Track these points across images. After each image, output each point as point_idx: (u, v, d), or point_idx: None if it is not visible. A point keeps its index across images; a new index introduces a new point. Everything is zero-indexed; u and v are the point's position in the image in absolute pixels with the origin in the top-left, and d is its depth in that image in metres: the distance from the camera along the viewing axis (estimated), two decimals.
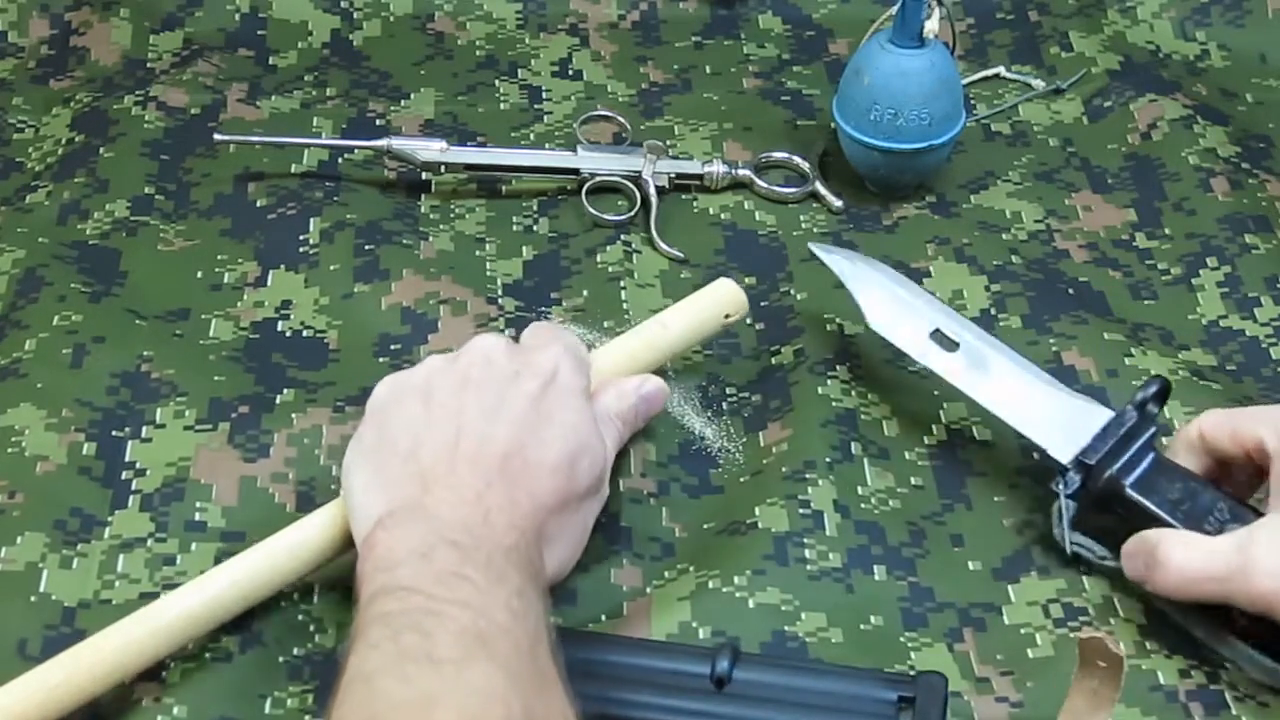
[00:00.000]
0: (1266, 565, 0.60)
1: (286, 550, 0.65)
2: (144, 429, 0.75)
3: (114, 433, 0.74)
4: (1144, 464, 0.67)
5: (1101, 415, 0.69)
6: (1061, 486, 0.68)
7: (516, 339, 0.70)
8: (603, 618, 0.67)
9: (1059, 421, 0.69)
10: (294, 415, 0.75)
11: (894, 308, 0.74)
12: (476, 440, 0.62)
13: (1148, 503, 0.66)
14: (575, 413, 0.65)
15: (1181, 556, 0.63)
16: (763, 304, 0.82)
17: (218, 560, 0.69)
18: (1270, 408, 0.67)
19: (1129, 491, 0.67)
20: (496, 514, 0.60)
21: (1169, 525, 0.65)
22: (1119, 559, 0.67)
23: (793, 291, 0.83)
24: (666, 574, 0.70)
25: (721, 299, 0.76)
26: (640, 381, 0.70)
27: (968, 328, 0.74)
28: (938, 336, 0.73)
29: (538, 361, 0.66)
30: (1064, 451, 0.68)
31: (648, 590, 0.69)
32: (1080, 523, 0.68)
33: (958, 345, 0.73)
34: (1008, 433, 0.72)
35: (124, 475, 0.73)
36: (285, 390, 0.77)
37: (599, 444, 0.66)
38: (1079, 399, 0.71)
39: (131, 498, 0.72)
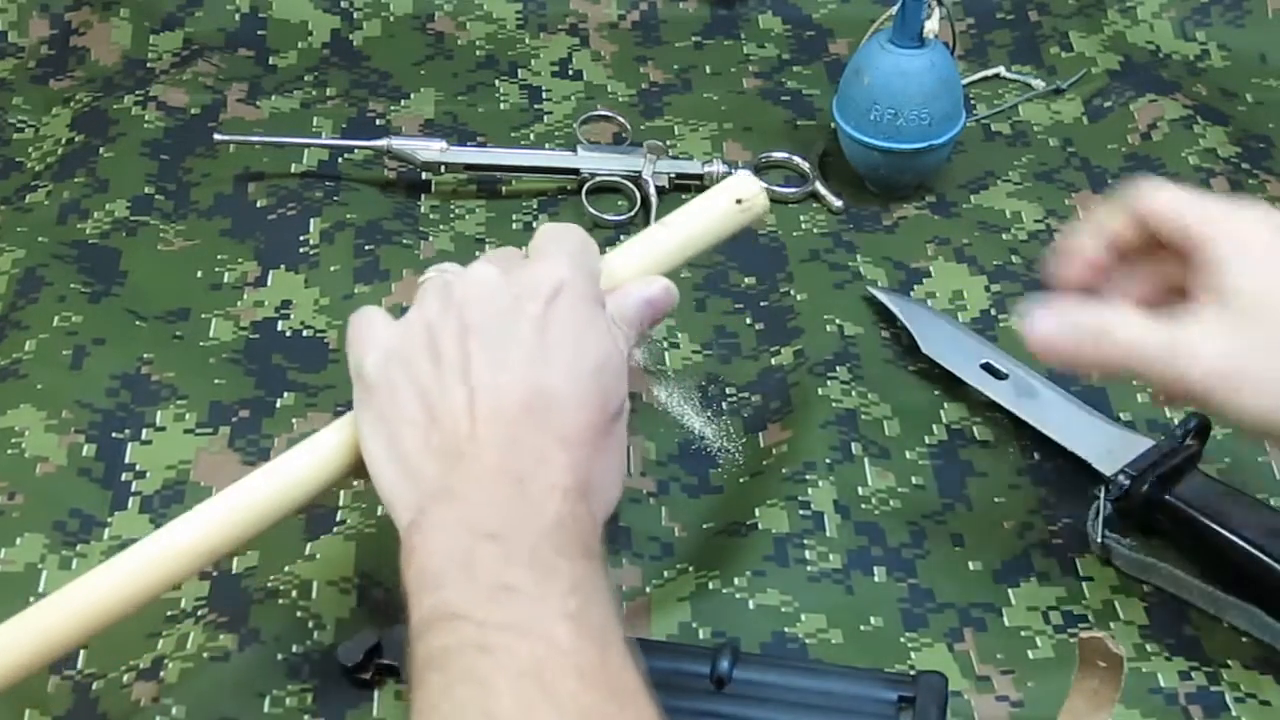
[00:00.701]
0: (1200, 348, 0.57)
1: (292, 474, 0.61)
2: (144, 431, 0.75)
3: (114, 434, 0.74)
4: (1184, 478, 0.70)
5: (1143, 441, 0.72)
6: (1104, 493, 0.70)
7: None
8: None
9: (1103, 443, 0.72)
10: (294, 419, 0.75)
11: (946, 340, 0.78)
12: (490, 395, 0.56)
13: (1191, 505, 0.69)
14: (587, 325, 0.59)
15: (1126, 333, 0.58)
16: (763, 304, 0.82)
17: (217, 563, 0.69)
18: (1208, 196, 0.61)
19: (1169, 499, 0.69)
20: (530, 482, 0.55)
21: (1211, 530, 0.68)
22: (1145, 553, 0.69)
23: (793, 292, 0.83)
24: (666, 574, 0.70)
25: (730, 187, 0.68)
26: (645, 284, 0.63)
27: (1016, 364, 0.77)
28: (988, 368, 0.76)
29: (537, 278, 0.59)
30: (1108, 465, 0.71)
31: (647, 590, 0.69)
32: (1111, 526, 0.70)
33: (1007, 376, 0.76)
34: (1050, 449, 0.74)
35: (124, 477, 0.73)
36: (285, 394, 0.77)
37: (617, 352, 0.59)
38: (1121, 428, 0.74)
39: (131, 499, 0.72)
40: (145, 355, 0.78)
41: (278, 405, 0.76)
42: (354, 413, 0.60)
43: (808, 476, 0.73)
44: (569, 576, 0.52)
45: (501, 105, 0.95)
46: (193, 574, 0.60)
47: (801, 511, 0.71)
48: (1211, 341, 0.57)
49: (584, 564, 0.53)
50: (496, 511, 0.54)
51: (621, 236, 0.86)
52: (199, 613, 0.67)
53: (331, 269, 0.83)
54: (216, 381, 0.77)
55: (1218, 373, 0.56)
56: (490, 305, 0.59)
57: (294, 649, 0.66)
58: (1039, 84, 0.97)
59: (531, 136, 0.92)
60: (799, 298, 0.82)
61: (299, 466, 0.61)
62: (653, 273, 0.65)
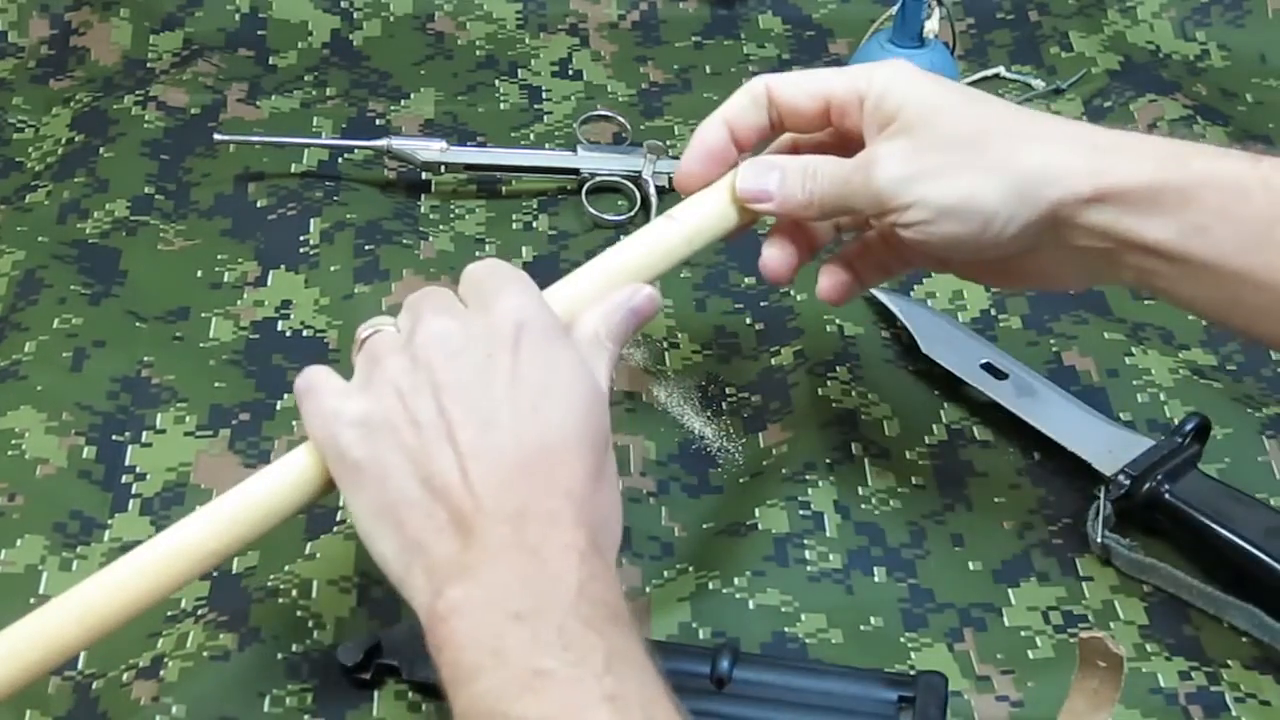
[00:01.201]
0: (885, 156, 0.61)
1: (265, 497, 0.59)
2: (144, 434, 0.75)
3: (114, 437, 0.74)
4: (1184, 478, 0.70)
5: (1143, 441, 0.72)
6: (1104, 493, 0.70)
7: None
8: None
9: (1103, 443, 0.72)
10: (294, 422, 0.75)
11: (946, 340, 0.78)
12: (485, 458, 0.54)
13: (1191, 505, 0.69)
14: (559, 362, 0.57)
15: (828, 166, 0.63)
16: (763, 304, 0.82)
17: None
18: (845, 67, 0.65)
19: (1169, 498, 0.69)
20: (544, 549, 0.53)
21: (1211, 530, 0.68)
22: (1145, 553, 0.69)
23: (793, 292, 0.82)
24: (666, 574, 0.70)
25: (731, 178, 0.66)
26: (630, 293, 0.61)
27: (1016, 364, 0.77)
28: (988, 368, 0.76)
29: (496, 324, 0.57)
30: (1108, 465, 0.71)
31: (647, 590, 0.69)
32: (1111, 526, 0.70)
33: (1007, 375, 0.76)
34: (1050, 449, 0.74)
35: (124, 479, 0.73)
36: (285, 396, 0.77)
37: (593, 381, 0.57)
38: (1121, 428, 0.74)
39: (132, 501, 0.72)
40: (145, 358, 0.78)
41: (278, 407, 0.76)
42: (346, 499, 0.57)
43: (808, 476, 0.73)
44: (602, 651, 0.50)
45: (501, 105, 0.95)
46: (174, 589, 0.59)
47: (801, 511, 0.71)
48: (891, 150, 0.61)
49: (614, 631, 0.52)
50: (518, 589, 0.52)
51: (621, 236, 0.86)
52: (199, 612, 0.67)
53: (331, 269, 0.83)
54: (217, 384, 0.77)
55: (899, 176, 0.60)
56: (459, 361, 0.56)
57: (294, 648, 0.66)
58: (1039, 84, 0.97)
59: (531, 136, 0.92)
60: (799, 298, 0.82)
61: (265, 491, 0.58)
62: (661, 267, 0.64)
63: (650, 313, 0.62)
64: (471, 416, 0.55)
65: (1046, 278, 0.64)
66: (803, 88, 0.64)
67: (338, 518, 0.71)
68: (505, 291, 0.58)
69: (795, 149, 0.67)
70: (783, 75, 0.65)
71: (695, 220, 0.65)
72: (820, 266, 0.67)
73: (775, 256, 0.66)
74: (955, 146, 0.60)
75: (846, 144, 0.64)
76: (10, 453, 0.73)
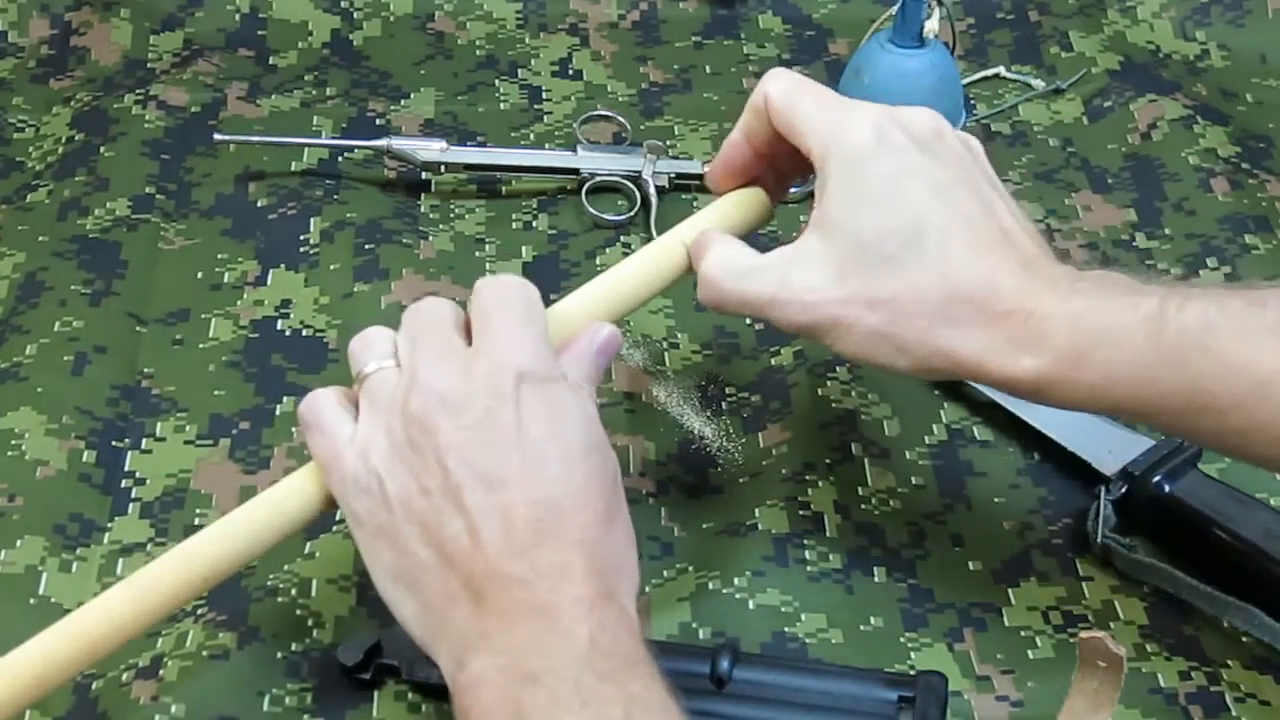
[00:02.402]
0: (802, 298, 0.60)
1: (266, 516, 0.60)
2: (144, 441, 0.75)
3: (114, 443, 0.74)
4: (1184, 478, 0.70)
5: (1143, 441, 0.72)
6: (1103, 493, 0.70)
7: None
8: None
9: (1103, 443, 0.72)
10: (293, 428, 0.75)
11: None
12: (493, 520, 0.54)
13: (1191, 505, 0.69)
14: (560, 407, 0.56)
15: (723, 273, 0.62)
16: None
17: None
18: (820, 107, 0.63)
19: (1169, 498, 0.69)
20: (556, 606, 0.53)
21: (1211, 529, 0.68)
22: (1145, 553, 0.69)
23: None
24: (665, 573, 0.70)
25: (734, 200, 0.68)
26: (591, 335, 0.61)
27: None
28: None
29: (496, 373, 0.56)
30: (1108, 465, 0.71)
31: (647, 590, 0.69)
32: (1111, 526, 0.70)
33: None
34: (1050, 449, 0.74)
35: (124, 484, 0.73)
36: (285, 399, 0.76)
37: (594, 423, 0.57)
38: (1121, 428, 0.74)
39: (131, 505, 0.72)
40: (146, 369, 0.78)
41: (277, 412, 0.76)
42: (365, 561, 0.57)
43: (808, 476, 0.73)
44: (620, 703, 0.51)
45: (501, 105, 0.95)
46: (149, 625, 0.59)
47: (801, 511, 0.71)
48: (812, 291, 0.60)
49: (630, 677, 0.52)
50: (532, 651, 0.52)
51: (621, 237, 0.86)
52: (198, 611, 0.67)
53: (331, 268, 0.83)
54: (216, 393, 0.77)
55: (814, 323, 0.60)
56: (461, 420, 0.55)
57: (293, 647, 0.66)
58: (1039, 84, 0.97)
59: (531, 136, 0.92)
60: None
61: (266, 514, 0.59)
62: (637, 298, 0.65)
63: (615, 349, 0.62)
64: (477, 479, 0.54)
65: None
66: (787, 123, 0.63)
67: (337, 517, 0.71)
68: (507, 335, 0.57)
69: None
70: (781, 89, 0.63)
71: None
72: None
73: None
74: (873, 308, 0.59)
75: None
76: (10, 454, 0.73)
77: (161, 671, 0.65)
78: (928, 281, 0.59)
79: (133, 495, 0.72)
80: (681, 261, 0.65)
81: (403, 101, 0.95)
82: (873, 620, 0.68)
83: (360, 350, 0.59)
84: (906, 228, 0.59)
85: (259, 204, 0.87)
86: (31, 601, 0.67)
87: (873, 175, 0.60)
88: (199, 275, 0.83)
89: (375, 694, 0.64)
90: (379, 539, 0.56)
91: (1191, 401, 0.57)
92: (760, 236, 0.86)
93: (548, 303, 0.82)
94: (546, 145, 0.91)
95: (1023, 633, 0.67)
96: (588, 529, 0.55)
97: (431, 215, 0.87)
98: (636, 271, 0.65)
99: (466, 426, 0.55)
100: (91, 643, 0.57)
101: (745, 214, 0.67)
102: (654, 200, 0.87)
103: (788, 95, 0.63)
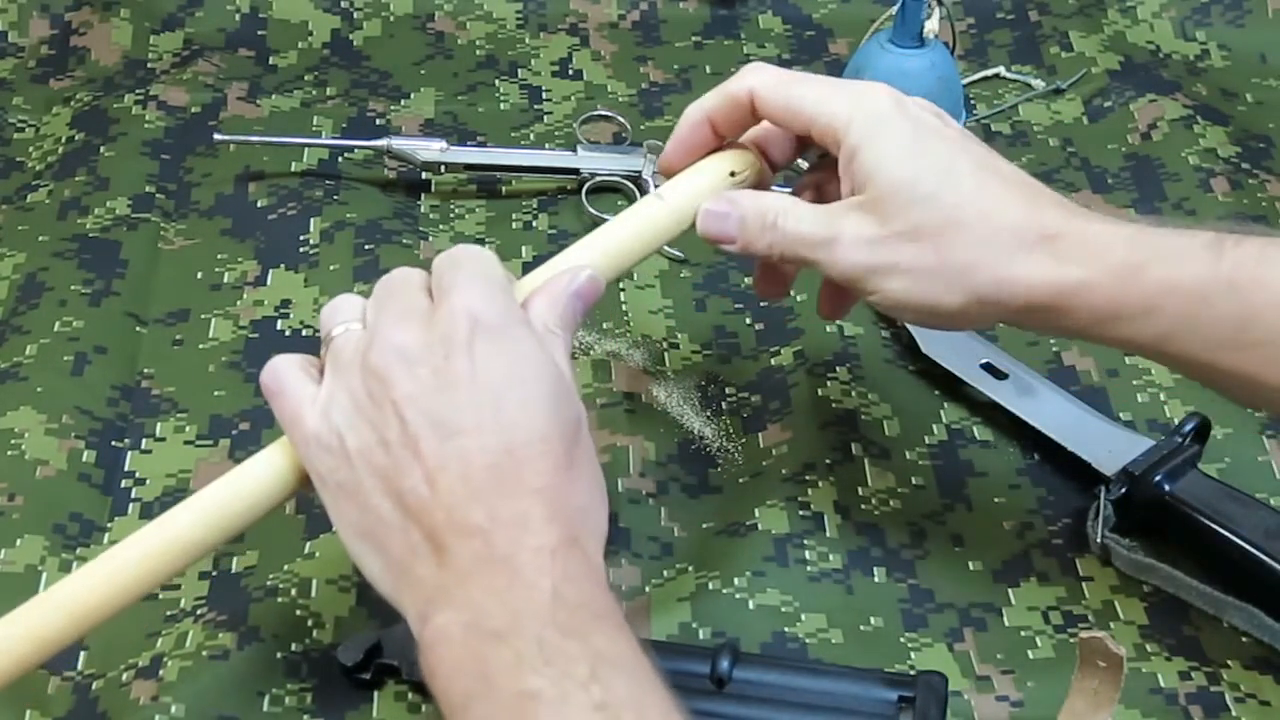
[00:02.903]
0: (851, 239, 0.61)
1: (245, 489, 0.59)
2: (144, 441, 0.75)
3: (113, 443, 0.74)
4: (1184, 478, 0.70)
5: (1143, 441, 0.72)
6: (1103, 493, 0.70)
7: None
8: None
9: (1103, 443, 0.72)
10: None
11: (946, 340, 0.78)
12: (451, 468, 0.54)
13: (1191, 505, 0.69)
14: (518, 354, 0.56)
15: (789, 223, 0.62)
16: (763, 304, 0.82)
17: (216, 562, 0.69)
18: (826, 87, 0.64)
19: (1169, 498, 0.69)
20: (517, 557, 0.52)
21: (1211, 530, 0.68)
22: (1145, 553, 0.69)
23: (792, 292, 0.82)
24: (665, 573, 0.70)
25: (724, 157, 0.66)
26: (570, 278, 0.60)
27: (1016, 364, 0.77)
28: (988, 368, 0.76)
29: (451, 323, 0.56)
30: (1108, 465, 0.71)
31: (646, 589, 0.69)
32: (1110, 526, 0.70)
33: (1007, 375, 0.76)
34: (1050, 449, 0.74)
35: (123, 484, 0.73)
36: None
37: (554, 367, 0.57)
38: (1121, 428, 0.74)
39: (131, 505, 0.72)
40: (146, 370, 0.78)
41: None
42: (331, 518, 0.57)
43: (807, 477, 0.73)
44: (585, 660, 0.50)
45: (501, 105, 0.95)
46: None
47: (801, 512, 0.71)
48: (858, 230, 0.61)
49: (596, 632, 0.52)
50: (495, 605, 0.52)
51: None
52: (198, 611, 0.67)
53: (331, 268, 0.83)
54: (216, 394, 0.77)
55: (865, 265, 0.61)
56: (416, 371, 0.55)
57: (293, 647, 0.66)
58: (1039, 84, 0.97)
59: (531, 136, 0.92)
60: (799, 298, 0.82)
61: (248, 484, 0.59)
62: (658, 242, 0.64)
63: (594, 294, 0.61)
64: (434, 428, 0.54)
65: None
66: (785, 105, 0.64)
67: None
68: (460, 286, 0.57)
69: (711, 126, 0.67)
70: (770, 82, 0.64)
71: (684, 199, 0.65)
72: (820, 287, 0.68)
73: (764, 279, 0.69)
74: (919, 241, 0.60)
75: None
76: (10, 453, 0.73)
77: (161, 671, 0.65)
78: (969, 211, 0.60)
79: (133, 496, 0.72)
80: (671, 220, 0.64)
81: (403, 101, 0.95)
82: (873, 620, 0.68)
83: (329, 315, 0.60)
84: (941, 165, 0.61)
85: (259, 204, 0.87)
86: None
87: (900, 130, 0.61)
88: (199, 275, 0.83)
89: (375, 694, 0.64)
90: (342, 496, 0.56)
91: (1242, 332, 0.57)
92: None
93: None
94: (546, 145, 0.91)
95: (1023, 633, 0.67)
96: (546, 475, 0.54)
97: (431, 215, 0.87)
98: (627, 230, 0.64)
99: (422, 377, 0.55)
100: (74, 616, 0.57)
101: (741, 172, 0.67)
102: None
103: (783, 86, 0.64)
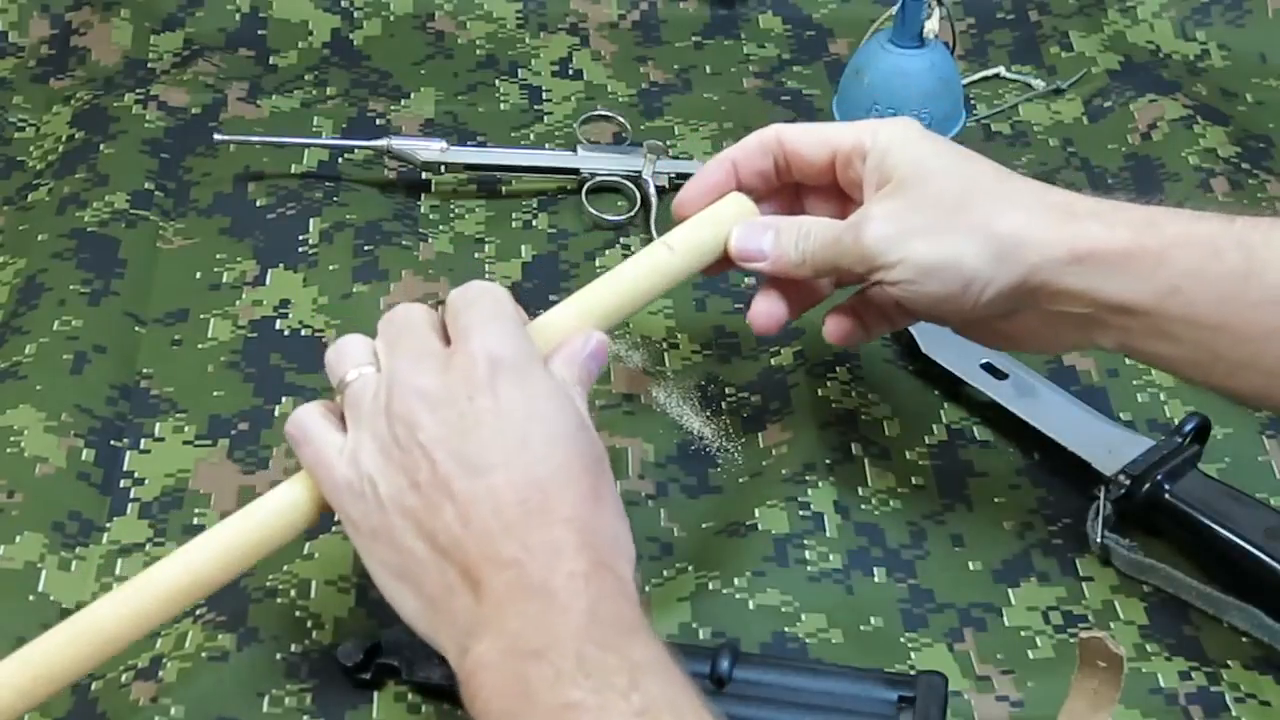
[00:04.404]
0: (877, 215, 0.63)
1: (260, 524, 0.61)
2: (142, 441, 0.75)
3: (112, 442, 0.74)
4: (1184, 478, 0.70)
5: (1143, 441, 0.72)
6: (1104, 493, 0.70)
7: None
8: None
9: (1103, 443, 0.72)
10: None
11: (946, 340, 0.77)
12: (482, 505, 0.55)
13: (1191, 505, 0.69)
14: (539, 392, 0.58)
15: (820, 227, 0.66)
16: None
17: None
18: (856, 121, 0.68)
19: (1169, 498, 0.69)
20: (551, 582, 0.54)
21: (1211, 530, 0.68)
22: (1145, 553, 0.69)
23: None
24: (665, 573, 0.70)
25: (726, 203, 0.69)
26: (584, 341, 0.61)
27: (1016, 364, 0.77)
28: (988, 368, 0.76)
29: (471, 364, 0.57)
30: (1108, 465, 0.71)
31: (646, 589, 0.69)
32: (1110, 526, 0.70)
33: (1007, 375, 0.76)
34: (1050, 449, 0.74)
35: (122, 484, 0.73)
36: (284, 399, 0.76)
37: (573, 406, 0.58)
38: (1121, 428, 0.74)
39: (130, 505, 0.72)
40: (145, 370, 0.78)
41: (276, 413, 0.76)
42: (364, 561, 0.58)
43: (808, 477, 0.73)
44: (624, 670, 0.51)
45: (501, 105, 0.95)
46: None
47: (801, 512, 0.71)
48: (883, 210, 0.63)
49: (632, 645, 0.53)
50: (533, 629, 0.53)
51: (621, 237, 0.86)
52: (197, 612, 0.67)
53: (330, 269, 0.83)
54: (215, 393, 0.77)
55: (890, 234, 0.63)
56: (441, 414, 0.56)
57: (293, 648, 0.66)
58: (1039, 84, 0.97)
59: (531, 136, 0.92)
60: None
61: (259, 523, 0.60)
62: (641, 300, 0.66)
63: (605, 357, 0.63)
64: (464, 467, 0.56)
65: (1030, 341, 0.66)
66: (812, 135, 0.67)
67: (335, 517, 0.71)
68: (479, 328, 0.58)
69: (796, 202, 0.70)
70: (794, 125, 0.68)
71: (692, 250, 0.67)
72: (827, 312, 0.69)
73: (764, 311, 0.68)
74: (941, 207, 0.62)
75: (845, 202, 0.68)
76: (9, 450, 0.73)
77: (161, 673, 0.65)
78: (987, 179, 0.63)
79: (131, 495, 0.72)
80: (673, 268, 0.67)
81: (403, 101, 0.95)
82: (873, 620, 0.68)
83: (336, 360, 0.61)
84: (962, 155, 0.64)
85: (258, 204, 0.87)
86: (30, 598, 0.67)
87: (923, 136, 0.65)
88: (198, 275, 0.83)
89: (375, 694, 0.64)
90: (376, 540, 0.57)
91: (1249, 288, 0.59)
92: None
93: (546, 304, 0.83)
94: (546, 145, 0.91)
95: (1023, 633, 0.67)
96: (576, 506, 0.56)
97: (431, 215, 0.87)
98: (627, 280, 0.66)
99: (448, 419, 0.56)
100: (88, 649, 0.58)
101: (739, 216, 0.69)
102: (654, 200, 0.87)
103: (807, 128, 0.68)
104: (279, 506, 0.60)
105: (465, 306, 0.60)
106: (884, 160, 0.64)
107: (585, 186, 0.88)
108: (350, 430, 0.59)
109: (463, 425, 0.56)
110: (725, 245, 0.68)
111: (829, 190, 0.68)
